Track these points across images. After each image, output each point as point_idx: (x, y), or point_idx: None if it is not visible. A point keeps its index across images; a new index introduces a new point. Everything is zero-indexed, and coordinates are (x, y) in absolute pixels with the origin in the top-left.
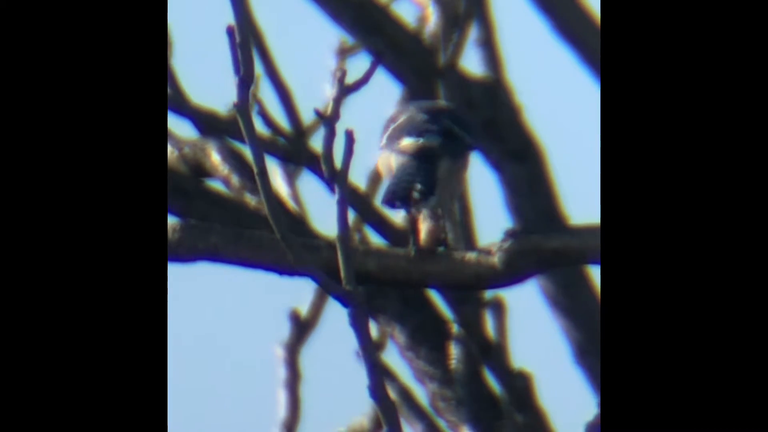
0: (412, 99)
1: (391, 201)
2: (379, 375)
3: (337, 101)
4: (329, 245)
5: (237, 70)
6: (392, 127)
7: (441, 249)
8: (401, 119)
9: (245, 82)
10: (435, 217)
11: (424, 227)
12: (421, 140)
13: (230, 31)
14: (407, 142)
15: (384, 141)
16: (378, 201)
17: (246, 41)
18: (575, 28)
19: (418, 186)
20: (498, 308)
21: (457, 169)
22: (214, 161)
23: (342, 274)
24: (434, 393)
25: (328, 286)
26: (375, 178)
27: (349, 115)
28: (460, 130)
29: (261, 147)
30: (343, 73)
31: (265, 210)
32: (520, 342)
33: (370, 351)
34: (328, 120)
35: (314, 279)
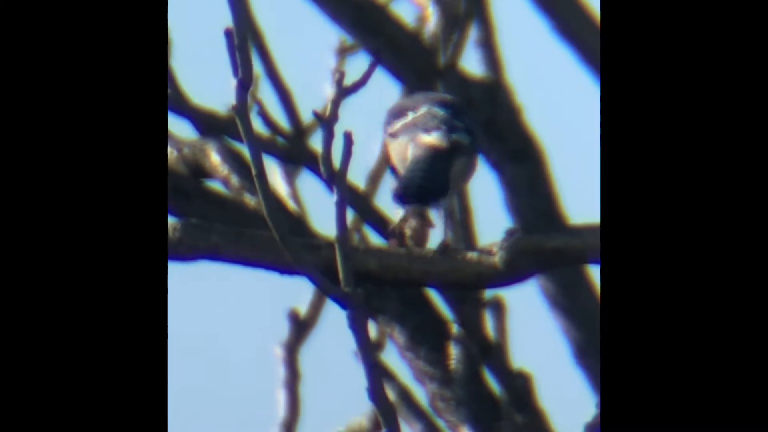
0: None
1: (403, 197)
2: (378, 377)
3: (336, 103)
4: (329, 244)
5: (235, 73)
6: (411, 116)
7: (434, 248)
8: (421, 110)
9: (244, 84)
10: (421, 215)
11: (409, 225)
12: (453, 136)
13: (228, 34)
14: (436, 137)
15: (398, 126)
16: (390, 195)
17: (244, 43)
18: (575, 28)
19: (432, 185)
20: (498, 308)
21: (469, 168)
22: (213, 162)
23: (341, 275)
24: (434, 393)
25: (327, 288)
26: (374, 177)
27: (349, 114)
28: (476, 128)
29: (260, 149)
30: (342, 75)
31: (264, 211)
32: (520, 342)
33: (368, 353)
34: (326, 122)
35: (313, 281)
